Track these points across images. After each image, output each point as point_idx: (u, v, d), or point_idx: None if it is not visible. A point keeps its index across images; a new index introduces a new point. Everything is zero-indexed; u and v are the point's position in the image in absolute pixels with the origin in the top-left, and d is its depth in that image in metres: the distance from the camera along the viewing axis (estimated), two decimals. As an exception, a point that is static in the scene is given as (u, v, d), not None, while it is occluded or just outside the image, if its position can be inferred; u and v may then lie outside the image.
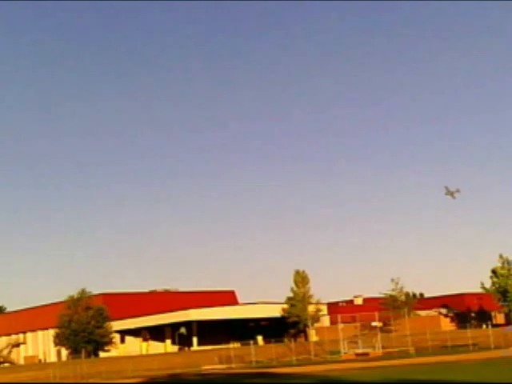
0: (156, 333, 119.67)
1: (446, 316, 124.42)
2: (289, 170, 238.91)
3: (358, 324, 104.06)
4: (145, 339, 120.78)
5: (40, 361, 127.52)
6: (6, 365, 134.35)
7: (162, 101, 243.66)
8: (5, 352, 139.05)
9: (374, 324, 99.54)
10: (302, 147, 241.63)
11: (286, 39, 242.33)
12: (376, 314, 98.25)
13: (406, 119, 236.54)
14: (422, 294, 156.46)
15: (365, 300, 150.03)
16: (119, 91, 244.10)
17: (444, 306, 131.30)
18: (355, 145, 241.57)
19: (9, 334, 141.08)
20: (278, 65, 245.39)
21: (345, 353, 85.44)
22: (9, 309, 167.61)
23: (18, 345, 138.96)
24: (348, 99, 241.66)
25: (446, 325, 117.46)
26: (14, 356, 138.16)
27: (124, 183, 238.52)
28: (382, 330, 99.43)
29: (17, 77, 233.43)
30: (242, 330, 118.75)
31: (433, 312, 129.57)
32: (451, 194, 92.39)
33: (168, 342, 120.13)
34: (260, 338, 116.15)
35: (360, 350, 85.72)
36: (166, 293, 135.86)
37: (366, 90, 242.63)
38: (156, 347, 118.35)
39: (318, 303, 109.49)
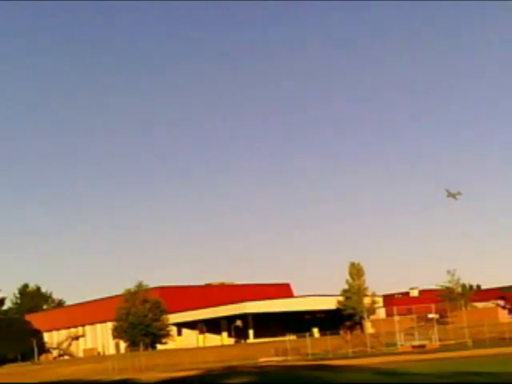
0: (212, 325, 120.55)
1: (503, 308, 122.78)
2: (339, 160, 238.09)
3: (414, 316, 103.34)
4: (201, 332, 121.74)
5: (99, 353, 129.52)
6: (66, 357, 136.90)
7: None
8: (64, 345, 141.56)
9: (430, 316, 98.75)
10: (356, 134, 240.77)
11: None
12: (432, 305, 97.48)
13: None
14: (478, 286, 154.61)
15: (421, 292, 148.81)
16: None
17: (501, 298, 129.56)
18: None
19: (68, 328, 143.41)
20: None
21: (401, 345, 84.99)
22: (68, 302, 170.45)
23: (77, 338, 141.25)
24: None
25: (504, 317, 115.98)
26: (73, 349, 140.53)
27: (174, 176, 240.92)
28: (438, 322, 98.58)
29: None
30: (298, 322, 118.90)
31: (490, 304, 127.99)
32: (453, 195, 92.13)
33: (224, 334, 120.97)
34: (316, 331, 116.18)
35: (416, 342, 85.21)
36: (222, 286, 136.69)
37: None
38: (212, 340, 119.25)
39: (373, 295, 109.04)
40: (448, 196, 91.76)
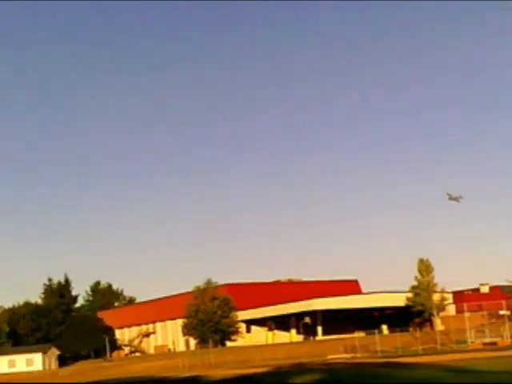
0: (281, 322, 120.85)
1: None
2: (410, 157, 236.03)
3: (484, 313, 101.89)
4: (270, 329, 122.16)
5: (169, 350, 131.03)
6: (138, 354, 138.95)
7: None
8: (136, 342, 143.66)
9: (501, 312, 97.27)
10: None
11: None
12: (503, 302, 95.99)
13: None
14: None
15: (491, 288, 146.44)
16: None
17: None
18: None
19: (139, 325, 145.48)
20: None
21: (472, 342, 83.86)
22: (139, 300, 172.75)
23: (148, 335, 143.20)
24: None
25: None
26: (144, 345, 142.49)
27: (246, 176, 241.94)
28: (510, 318, 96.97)
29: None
30: (366, 319, 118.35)
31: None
32: (455, 199, 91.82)
33: (293, 331, 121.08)
34: (385, 328, 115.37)
35: (487, 340, 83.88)
36: (290, 283, 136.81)
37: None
38: (281, 337, 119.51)
39: (442, 292, 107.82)
40: (450, 199, 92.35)
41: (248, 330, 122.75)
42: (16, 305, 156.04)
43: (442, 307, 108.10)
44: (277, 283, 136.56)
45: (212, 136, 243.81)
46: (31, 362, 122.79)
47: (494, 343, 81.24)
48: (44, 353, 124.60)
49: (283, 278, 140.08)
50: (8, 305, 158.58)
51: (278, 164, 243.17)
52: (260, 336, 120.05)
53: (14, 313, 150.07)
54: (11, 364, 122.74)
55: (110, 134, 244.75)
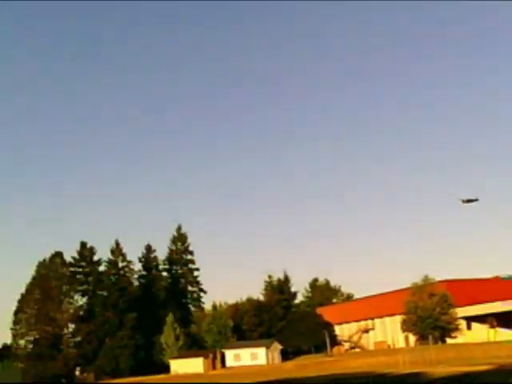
0: (503, 319, 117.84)
1: None
2: None
3: None
4: (492, 326, 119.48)
5: (388, 346, 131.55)
6: (357, 350, 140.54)
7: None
8: (355, 337, 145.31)
9: None
10: None
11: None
12: None
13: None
14: None
15: None
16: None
17: None
18: None
19: (358, 321, 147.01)
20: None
21: None
22: (356, 296, 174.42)
23: (367, 331, 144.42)
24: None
25: None
26: (363, 341, 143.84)
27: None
28: None
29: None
30: None
31: None
32: (469, 201, 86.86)
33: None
34: None
35: None
36: (511, 279, 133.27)
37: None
38: (504, 334, 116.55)
39: None
40: (464, 202, 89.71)
41: (468, 327, 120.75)
42: (239, 301, 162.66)
43: None
44: (497, 279, 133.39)
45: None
46: (255, 355, 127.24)
47: None
48: (267, 347, 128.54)
49: (503, 273, 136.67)
50: (232, 301, 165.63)
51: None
52: (481, 333, 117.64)
53: (237, 309, 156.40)
54: (237, 358, 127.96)
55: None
